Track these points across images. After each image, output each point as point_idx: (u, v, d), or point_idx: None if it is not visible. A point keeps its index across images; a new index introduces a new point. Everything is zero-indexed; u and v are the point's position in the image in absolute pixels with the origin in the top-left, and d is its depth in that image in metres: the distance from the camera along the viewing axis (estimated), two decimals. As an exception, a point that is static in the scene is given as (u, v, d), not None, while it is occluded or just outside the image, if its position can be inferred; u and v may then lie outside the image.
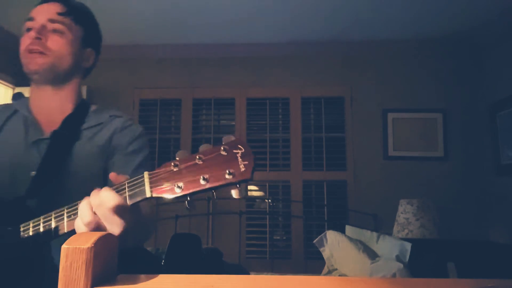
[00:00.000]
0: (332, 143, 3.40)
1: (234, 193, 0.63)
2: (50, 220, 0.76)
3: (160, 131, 3.50)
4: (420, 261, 2.35)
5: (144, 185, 0.66)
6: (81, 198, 0.73)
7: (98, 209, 0.65)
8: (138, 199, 0.67)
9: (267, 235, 3.29)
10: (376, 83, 3.41)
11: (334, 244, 2.61)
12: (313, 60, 3.49)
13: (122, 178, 0.71)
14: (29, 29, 1.03)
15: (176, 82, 3.54)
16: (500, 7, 2.79)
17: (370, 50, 3.43)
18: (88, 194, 0.71)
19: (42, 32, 1.01)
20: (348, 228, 2.88)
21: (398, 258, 2.21)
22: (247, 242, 3.29)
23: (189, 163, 0.64)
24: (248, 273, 2.62)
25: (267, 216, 3.32)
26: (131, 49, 3.52)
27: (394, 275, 2.05)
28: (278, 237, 3.40)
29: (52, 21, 1.02)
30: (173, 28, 3.22)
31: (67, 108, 1.08)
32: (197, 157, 0.64)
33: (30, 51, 1.00)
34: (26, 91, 3.41)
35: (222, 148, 0.63)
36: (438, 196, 3.08)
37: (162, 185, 0.64)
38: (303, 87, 3.46)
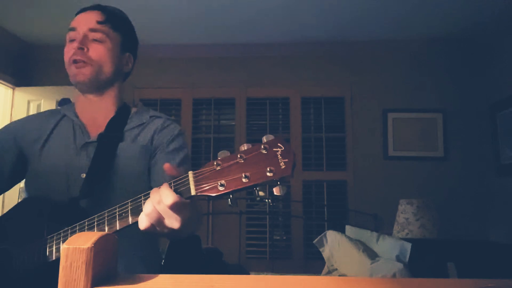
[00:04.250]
0: (332, 143, 3.40)
1: (275, 190, 0.65)
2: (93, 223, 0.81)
3: (160, 131, 3.49)
4: (420, 261, 2.35)
5: (189, 183, 0.70)
6: (128, 196, 0.77)
7: (159, 206, 0.70)
8: (184, 197, 0.70)
9: (267, 235, 3.29)
10: (376, 83, 3.41)
11: (334, 244, 2.61)
12: (313, 60, 3.49)
13: (175, 170, 0.74)
14: (71, 40, 1.08)
15: (176, 82, 3.54)
16: (500, 7, 2.79)
17: (370, 50, 3.43)
18: (135, 192, 0.77)
19: (84, 42, 1.06)
20: (348, 228, 2.88)
21: (398, 258, 2.21)
22: (247, 242, 3.29)
23: (231, 162, 0.66)
24: (248, 273, 2.62)
25: (267, 216, 3.32)
26: (131, 49, 3.51)
27: (394, 275, 2.05)
28: (278, 237, 3.40)
29: (92, 30, 1.07)
30: (173, 28, 3.22)
31: (110, 111, 1.14)
32: (239, 156, 0.66)
33: (75, 61, 1.05)
34: (27, 92, 3.41)
35: (262, 146, 0.66)
36: (438, 196, 3.08)
37: (205, 183, 0.68)
38: (303, 87, 3.46)
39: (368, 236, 2.63)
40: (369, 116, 3.37)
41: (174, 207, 0.69)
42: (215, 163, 0.67)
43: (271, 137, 0.67)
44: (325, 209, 3.33)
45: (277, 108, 3.52)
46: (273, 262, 3.23)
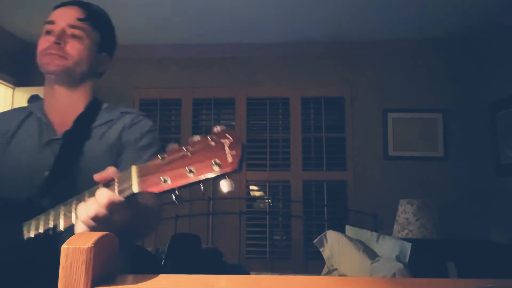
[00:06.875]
0: (332, 143, 3.40)
1: (222, 186, 0.58)
2: (49, 219, 0.76)
3: (160, 131, 3.49)
4: (420, 261, 2.35)
5: (131, 179, 0.64)
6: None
7: (88, 220, 0.68)
8: (126, 194, 0.65)
9: (267, 235, 3.29)
10: (376, 83, 3.41)
11: (334, 244, 2.61)
12: (313, 60, 3.49)
13: (106, 174, 0.71)
14: (48, 32, 1.05)
15: (176, 82, 3.54)
16: (500, 6, 2.79)
17: (370, 50, 3.43)
18: None
19: (61, 37, 1.02)
20: (348, 228, 2.88)
21: (398, 258, 2.21)
22: (247, 242, 3.29)
23: (176, 155, 0.61)
24: (248, 273, 2.62)
25: (267, 216, 3.32)
26: (131, 49, 3.51)
27: (394, 275, 2.04)
28: (278, 237, 3.40)
29: (71, 26, 1.04)
30: (173, 28, 3.22)
31: (79, 108, 1.09)
32: (185, 148, 0.61)
33: (49, 55, 1.02)
34: (27, 91, 3.41)
35: (210, 138, 0.59)
36: (438, 196, 3.08)
37: (148, 179, 0.62)
38: (303, 87, 3.46)
39: (368, 236, 2.63)
40: (369, 116, 3.37)
41: (111, 207, 0.66)
42: (160, 157, 0.62)
43: (222, 127, 0.60)
44: (325, 209, 3.32)
45: (277, 108, 3.52)
46: (273, 262, 3.23)
